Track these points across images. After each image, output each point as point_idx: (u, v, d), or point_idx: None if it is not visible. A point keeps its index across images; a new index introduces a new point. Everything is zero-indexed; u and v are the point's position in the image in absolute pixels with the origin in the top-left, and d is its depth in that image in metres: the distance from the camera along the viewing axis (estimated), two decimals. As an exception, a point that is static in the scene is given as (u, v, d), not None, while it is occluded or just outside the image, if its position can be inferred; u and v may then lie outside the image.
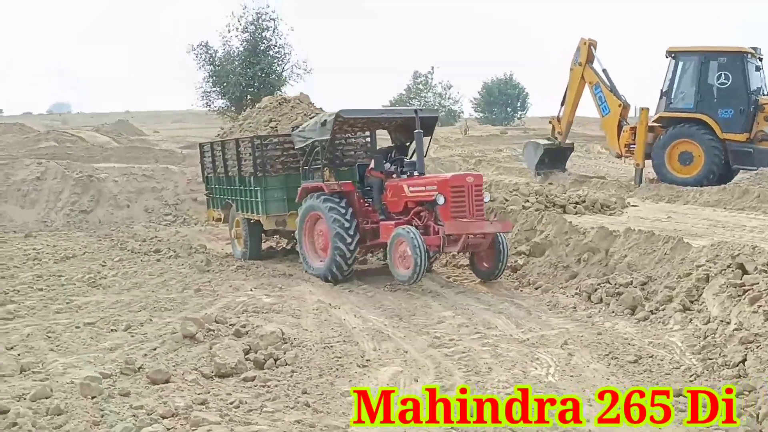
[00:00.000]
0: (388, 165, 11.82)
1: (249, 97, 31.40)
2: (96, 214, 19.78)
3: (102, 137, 31.15)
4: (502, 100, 68.78)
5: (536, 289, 10.47)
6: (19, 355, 7.60)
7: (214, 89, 34.19)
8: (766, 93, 18.60)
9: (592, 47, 20.52)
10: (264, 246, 14.70)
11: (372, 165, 12.21)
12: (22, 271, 12.84)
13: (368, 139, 13.97)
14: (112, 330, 8.73)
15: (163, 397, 6.13)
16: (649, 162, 19.51)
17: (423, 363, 7.04)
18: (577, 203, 14.64)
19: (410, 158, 12.16)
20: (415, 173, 11.30)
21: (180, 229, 18.44)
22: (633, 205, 15.74)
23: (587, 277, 10.19)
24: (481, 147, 35.69)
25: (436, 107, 60.87)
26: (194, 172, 21.82)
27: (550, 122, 22.45)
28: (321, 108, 15.14)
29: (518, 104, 69.18)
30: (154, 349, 7.80)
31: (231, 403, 5.96)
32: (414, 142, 11.87)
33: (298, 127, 12.49)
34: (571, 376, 6.57)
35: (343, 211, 11.23)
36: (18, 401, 5.80)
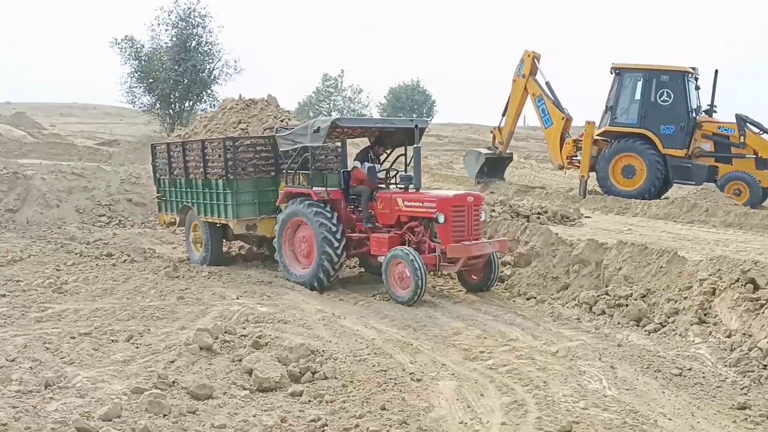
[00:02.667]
0: (380, 174, 11.68)
1: (177, 94, 30.42)
2: (24, 214, 18.61)
3: (18, 131, 29.47)
4: (409, 105, 69.23)
5: (528, 299, 10.57)
6: (31, 368, 7.09)
7: (140, 85, 32.91)
8: (702, 112, 19.45)
9: (535, 60, 20.94)
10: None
11: (351, 168, 12.04)
12: (-32, 276, 11.98)
13: (338, 144, 13.77)
14: (113, 341, 8.31)
15: (232, 415, 5.83)
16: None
17: (474, 377, 6.96)
18: (539, 214, 14.86)
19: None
20: (411, 187, 11.13)
21: (117, 231, 17.67)
22: (587, 217, 16.12)
23: (580, 289, 10.37)
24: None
25: (346, 111, 60.92)
26: (128, 171, 21.04)
27: (491, 132, 22.77)
28: (288, 111, 14.85)
29: (425, 111, 69.80)
30: (173, 362, 7.46)
31: (313, 422, 5.71)
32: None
33: (283, 129, 12.16)
34: (627, 389, 6.63)
35: (329, 215, 11.06)
36: (89, 420, 5.37)
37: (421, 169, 11.22)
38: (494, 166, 22.28)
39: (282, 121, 13.66)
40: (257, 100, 14.24)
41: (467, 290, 11.13)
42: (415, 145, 11.07)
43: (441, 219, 10.27)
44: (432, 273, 11.25)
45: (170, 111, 33.18)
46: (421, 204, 10.66)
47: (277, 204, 12.26)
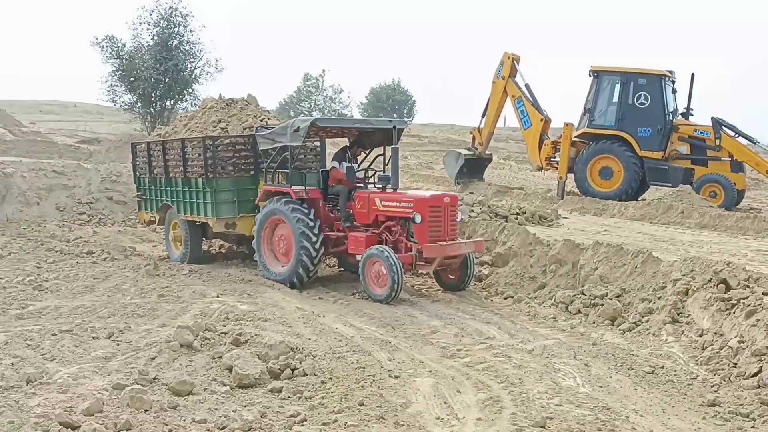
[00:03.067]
0: (358, 173, 11.79)
1: (158, 93, 30.35)
2: (3, 211, 18.45)
3: (-3, 129, 29.36)
4: (389, 105, 69.44)
5: (505, 299, 10.71)
6: (12, 364, 7.12)
7: (121, 84, 32.80)
8: (678, 115, 19.74)
9: (515, 62, 21.15)
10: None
11: (331, 166, 12.14)
12: (-53, 272, 11.96)
13: (317, 144, 13.84)
14: (93, 338, 8.36)
15: (213, 410, 5.92)
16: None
17: (451, 374, 7.09)
18: (518, 214, 15.05)
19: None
20: (389, 187, 11.23)
21: (98, 230, 17.62)
22: (564, 217, 16.33)
23: (557, 288, 10.52)
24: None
25: (327, 111, 60.98)
26: (108, 169, 20.98)
27: (471, 133, 22.97)
28: (268, 110, 14.92)
29: (405, 111, 70.02)
30: (154, 358, 7.51)
31: (293, 416, 5.82)
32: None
33: (263, 129, 12.24)
34: (601, 386, 6.79)
35: (306, 211, 11.17)
36: (71, 415, 5.44)
37: (399, 169, 11.34)
38: (474, 167, 22.50)
39: (262, 120, 13.75)
40: (237, 100, 14.32)
41: (444, 289, 11.26)
42: (393, 146, 11.19)
43: (418, 219, 10.39)
44: (409, 272, 11.36)
45: (151, 110, 33.24)
46: (398, 204, 10.77)
47: (256, 203, 12.35)
